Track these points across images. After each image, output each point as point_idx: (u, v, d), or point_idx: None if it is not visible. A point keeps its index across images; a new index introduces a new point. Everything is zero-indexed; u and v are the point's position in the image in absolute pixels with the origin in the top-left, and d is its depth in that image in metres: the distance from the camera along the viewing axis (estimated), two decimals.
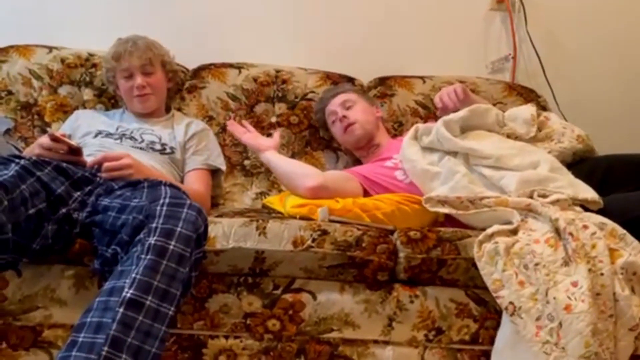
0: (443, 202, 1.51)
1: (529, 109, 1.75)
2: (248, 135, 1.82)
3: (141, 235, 1.16)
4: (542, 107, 2.07)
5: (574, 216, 1.37)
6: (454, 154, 1.64)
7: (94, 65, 2.00)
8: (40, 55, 2.01)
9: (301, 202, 1.55)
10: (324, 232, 1.37)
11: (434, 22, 2.22)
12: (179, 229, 1.16)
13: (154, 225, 1.16)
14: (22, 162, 1.30)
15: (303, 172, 1.64)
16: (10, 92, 1.96)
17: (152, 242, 1.13)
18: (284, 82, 2.05)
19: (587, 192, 1.49)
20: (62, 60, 2.00)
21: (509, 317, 1.29)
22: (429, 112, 2.02)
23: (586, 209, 1.47)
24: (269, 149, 1.75)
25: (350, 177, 1.69)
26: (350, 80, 2.10)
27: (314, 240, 1.36)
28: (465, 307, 1.39)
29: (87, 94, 1.99)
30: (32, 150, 1.51)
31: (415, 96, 2.07)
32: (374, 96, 2.07)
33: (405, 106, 2.06)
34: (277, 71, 2.07)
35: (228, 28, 2.17)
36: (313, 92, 2.04)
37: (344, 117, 1.86)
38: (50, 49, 2.03)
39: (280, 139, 1.86)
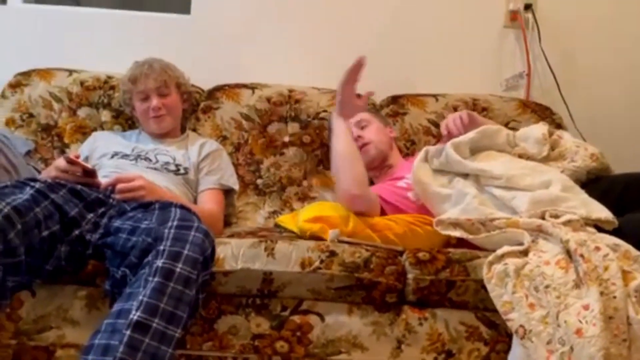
0: (454, 224, 1.50)
1: (541, 128, 1.73)
2: (353, 86, 1.65)
3: (149, 258, 1.18)
4: (558, 125, 2.05)
5: (586, 237, 1.35)
6: (465, 175, 1.63)
7: (112, 88, 2.05)
8: (61, 79, 2.07)
9: (315, 216, 1.53)
10: (332, 254, 1.38)
11: (447, 40, 2.22)
12: (185, 251, 1.18)
13: (161, 247, 1.18)
14: (37, 185, 1.34)
15: (354, 176, 1.57)
16: (31, 115, 2.02)
17: (160, 264, 1.15)
18: (297, 101, 2.07)
19: (601, 212, 1.47)
20: (82, 83, 2.06)
21: (520, 340, 1.27)
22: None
23: (600, 230, 1.45)
24: (344, 117, 1.63)
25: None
26: None
27: (321, 261, 1.36)
28: (476, 330, 1.37)
29: (105, 115, 2.04)
30: (49, 173, 1.55)
31: (428, 115, 2.06)
32: (386, 115, 2.07)
33: (418, 125, 2.05)
34: (290, 91, 2.09)
35: (242, 50, 2.20)
36: (325, 111, 2.05)
37: (359, 137, 1.86)
38: (70, 72, 2.08)
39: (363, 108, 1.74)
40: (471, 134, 1.67)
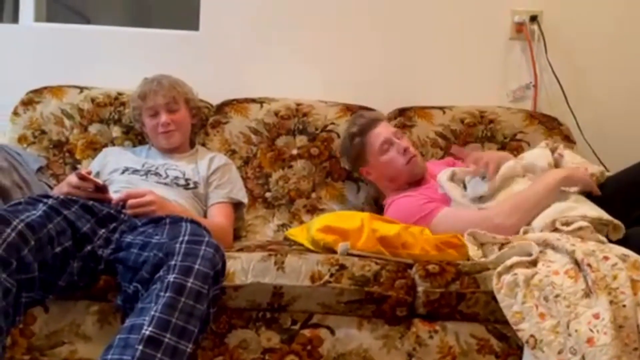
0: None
1: (546, 157, 1.72)
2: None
3: (161, 273, 1.19)
4: (566, 136, 2.05)
5: (594, 247, 1.35)
6: None
7: (122, 104, 2.07)
8: (72, 96, 2.09)
9: (327, 225, 1.54)
10: (342, 267, 1.38)
11: (453, 53, 2.23)
12: (196, 266, 1.19)
13: (172, 262, 1.19)
14: (50, 201, 1.36)
15: (525, 221, 1.56)
16: (43, 132, 2.05)
17: (171, 279, 1.17)
18: (305, 114, 2.08)
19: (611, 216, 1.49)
20: (92, 100, 2.08)
21: (531, 350, 1.27)
22: (448, 143, 2.03)
23: (610, 241, 1.45)
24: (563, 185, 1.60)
25: None
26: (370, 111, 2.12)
27: (331, 275, 1.37)
28: (487, 343, 1.37)
29: (116, 131, 2.06)
30: (60, 189, 1.58)
31: (435, 127, 2.07)
32: (394, 127, 2.08)
33: (425, 137, 2.06)
34: (298, 104, 2.11)
35: (250, 65, 2.22)
36: (333, 123, 2.07)
37: (408, 148, 1.84)
38: (81, 89, 2.11)
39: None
40: (494, 183, 1.68)
